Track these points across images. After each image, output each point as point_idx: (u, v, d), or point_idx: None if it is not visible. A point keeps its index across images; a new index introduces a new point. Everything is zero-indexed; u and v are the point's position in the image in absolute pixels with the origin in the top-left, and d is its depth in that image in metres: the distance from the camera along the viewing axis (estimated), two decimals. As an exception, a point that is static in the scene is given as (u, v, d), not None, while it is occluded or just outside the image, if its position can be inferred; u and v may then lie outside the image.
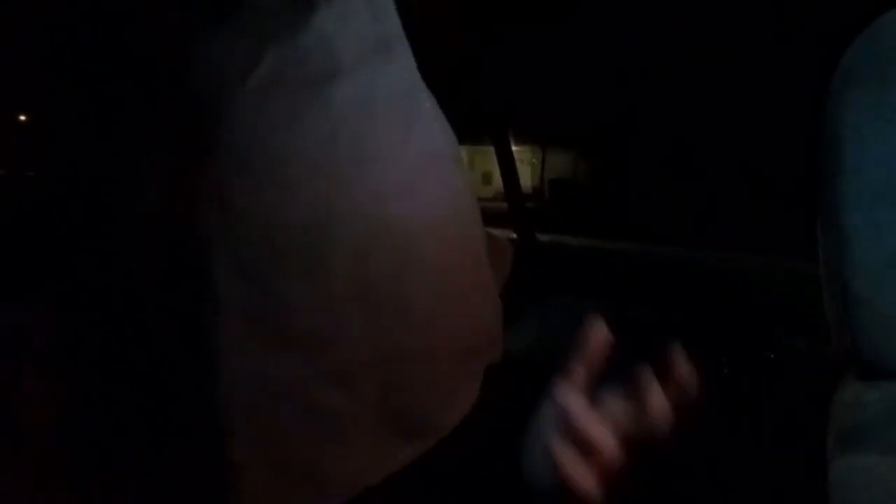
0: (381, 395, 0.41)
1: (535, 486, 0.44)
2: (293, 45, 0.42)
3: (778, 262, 1.11)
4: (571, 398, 0.45)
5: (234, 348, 0.39)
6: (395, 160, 0.43)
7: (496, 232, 0.68)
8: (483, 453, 0.54)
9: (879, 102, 0.50)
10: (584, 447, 0.42)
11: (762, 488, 0.83)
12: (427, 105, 0.46)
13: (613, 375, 0.49)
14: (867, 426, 0.49)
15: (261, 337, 0.39)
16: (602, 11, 1.48)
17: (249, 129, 0.41)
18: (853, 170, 0.50)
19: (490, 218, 0.90)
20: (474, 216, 0.48)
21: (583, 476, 0.41)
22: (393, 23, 0.46)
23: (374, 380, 0.40)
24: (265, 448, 0.39)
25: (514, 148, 2.32)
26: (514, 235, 1.49)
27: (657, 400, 0.45)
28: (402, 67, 0.46)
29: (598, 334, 0.47)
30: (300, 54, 0.42)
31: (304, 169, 0.40)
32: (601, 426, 0.43)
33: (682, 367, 0.47)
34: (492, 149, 1.57)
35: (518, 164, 2.17)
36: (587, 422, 0.42)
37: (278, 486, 0.40)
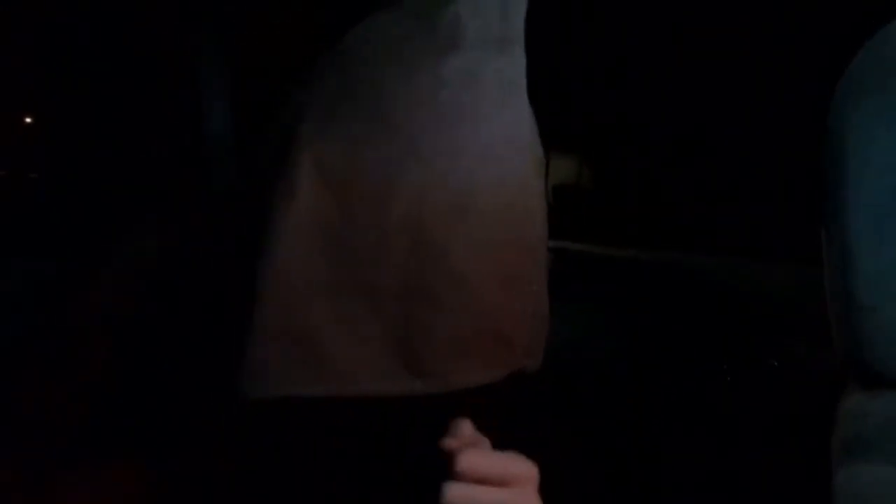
0: (400, 323, 0.45)
1: None
2: (429, 21, 0.49)
3: (782, 268, 1.10)
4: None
5: (293, 241, 0.44)
6: (482, 130, 0.48)
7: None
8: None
9: (884, 110, 0.50)
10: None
11: (767, 497, 0.83)
12: (524, 98, 0.51)
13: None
14: (871, 435, 0.49)
15: (320, 238, 0.44)
16: (607, 16, 1.48)
17: (372, 71, 0.48)
18: (857, 177, 0.50)
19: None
20: (542, 213, 0.51)
21: None
22: (517, 24, 0.52)
23: (399, 307, 0.45)
24: (286, 327, 0.44)
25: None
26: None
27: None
28: (514, 62, 0.51)
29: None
30: (432, 27, 0.49)
31: (402, 113, 0.46)
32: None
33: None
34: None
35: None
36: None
37: (287, 363, 0.44)
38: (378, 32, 0.51)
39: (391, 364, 0.45)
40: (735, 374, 0.98)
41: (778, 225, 1.29)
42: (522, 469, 0.48)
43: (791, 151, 1.23)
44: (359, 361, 0.45)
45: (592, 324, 1.15)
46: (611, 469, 0.92)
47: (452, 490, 0.44)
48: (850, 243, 0.50)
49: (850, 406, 0.52)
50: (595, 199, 1.74)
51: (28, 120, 1.43)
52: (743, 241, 1.33)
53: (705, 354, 1.04)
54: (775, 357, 0.95)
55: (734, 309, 1.09)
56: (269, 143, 0.52)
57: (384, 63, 0.49)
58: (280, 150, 0.48)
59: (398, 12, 0.52)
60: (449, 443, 0.46)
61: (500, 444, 0.52)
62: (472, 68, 0.49)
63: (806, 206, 0.59)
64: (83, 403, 0.54)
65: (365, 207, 0.45)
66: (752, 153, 1.42)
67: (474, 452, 0.46)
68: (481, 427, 0.51)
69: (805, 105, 0.80)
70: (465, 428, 0.47)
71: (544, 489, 0.72)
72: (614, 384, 1.05)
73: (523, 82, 0.51)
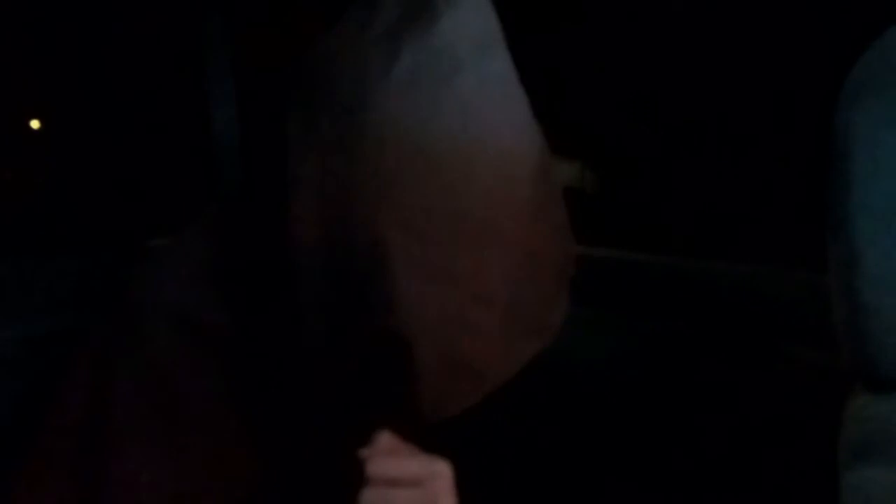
0: (508, 305, 0.53)
1: None
2: (424, 48, 0.53)
3: (787, 272, 1.10)
4: None
5: (406, 287, 0.51)
6: (501, 131, 0.54)
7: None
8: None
9: (890, 112, 0.50)
10: None
11: (773, 500, 0.82)
12: (522, 92, 0.57)
13: None
14: (878, 438, 0.49)
15: (423, 277, 0.51)
16: (609, 18, 1.48)
17: (394, 116, 0.51)
18: (864, 180, 0.50)
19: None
20: (556, 190, 0.60)
21: None
22: (495, 24, 0.56)
23: (502, 296, 0.53)
24: (437, 359, 0.52)
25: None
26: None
27: None
28: (502, 57, 0.56)
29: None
30: (431, 55, 0.52)
31: (441, 146, 0.51)
32: None
33: None
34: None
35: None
36: None
37: (449, 384, 0.53)
38: (370, 63, 0.54)
39: (514, 339, 0.54)
40: (740, 378, 0.98)
41: (782, 228, 1.29)
42: (434, 468, 0.57)
43: (795, 154, 1.23)
44: (494, 353, 0.53)
45: (594, 327, 1.14)
46: (614, 470, 0.92)
47: (365, 495, 0.54)
48: (856, 245, 0.50)
49: (857, 409, 0.52)
50: (597, 202, 1.74)
51: (34, 122, 1.43)
52: (747, 244, 1.33)
53: (709, 358, 1.04)
54: (781, 361, 0.95)
55: (738, 312, 1.09)
56: (325, 199, 0.55)
57: (399, 102, 0.52)
58: (353, 218, 0.53)
59: (370, 31, 0.55)
60: (362, 451, 0.55)
61: (502, 445, 0.58)
62: (479, 82, 0.54)
63: (810, 208, 0.59)
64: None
65: (445, 235, 0.52)
66: (756, 156, 1.42)
67: (384, 457, 0.55)
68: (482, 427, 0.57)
69: (809, 107, 0.80)
70: (383, 437, 0.56)
71: (546, 489, 0.72)
72: (617, 387, 1.04)
73: (515, 73, 0.57)
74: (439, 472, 0.57)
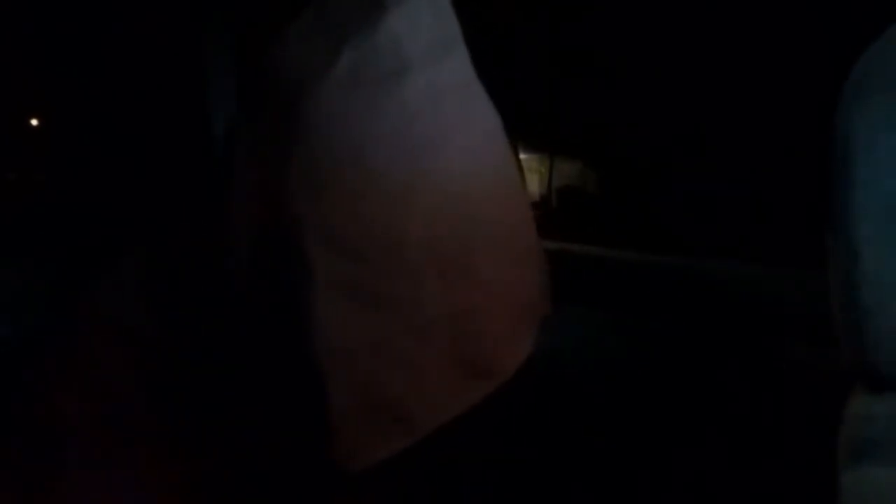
0: (452, 344, 0.47)
1: None
2: (367, 45, 0.48)
3: (787, 272, 1.10)
4: None
5: (329, 311, 0.45)
6: (460, 140, 0.49)
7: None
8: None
9: (890, 113, 0.49)
10: None
11: (774, 498, 0.82)
12: (482, 92, 0.52)
13: None
14: (877, 438, 0.49)
15: (350, 300, 0.45)
16: (609, 17, 1.48)
17: (333, 117, 0.47)
18: (864, 180, 0.50)
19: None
20: (522, 185, 0.55)
21: None
22: (452, 22, 0.52)
23: (446, 332, 0.47)
24: (359, 396, 0.46)
25: (521, 156, 2.31)
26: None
27: None
28: (461, 62, 0.52)
29: None
30: (374, 53, 0.48)
31: (381, 153, 0.47)
32: None
33: None
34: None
35: (525, 172, 2.16)
36: None
37: (371, 428, 0.46)
38: (311, 63, 0.50)
39: (459, 383, 0.47)
40: (740, 378, 0.98)
41: (782, 228, 1.29)
42: None
43: (796, 154, 1.23)
44: (432, 397, 0.47)
45: (595, 325, 1.14)
46: (613, 470, 0.92)
47: None
48: (857, 245, 0.50)
49: (857, 408, 0.51)
50: (598, 201, 1.74)
51: (34, 122, 1.43)
52: (747, 244, 1.33)
53: (709, 357, 1.04)
54: (781, 361, 0.95)
55: (739, 311, 1.09)
56: (251, 201, 0.51)
57: (340, 102, 0.48)
58: (273, 215, 0.48)
59: (315, 34, 0.51)
60: None
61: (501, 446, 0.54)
62: (430, 84, 0.50)
63: (809, 208, 0.59)
64: (99, 403, 0.56)
65: (382, 254, 0.47)
66: (756, 156, 1.42)
67: None
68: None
69: (810, 107, 0.80)
70: None
71: (545, 488, 0.72)
72: (616, 385, 1.04)
73: (474, 74, 0.53)
74: None
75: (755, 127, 1.39)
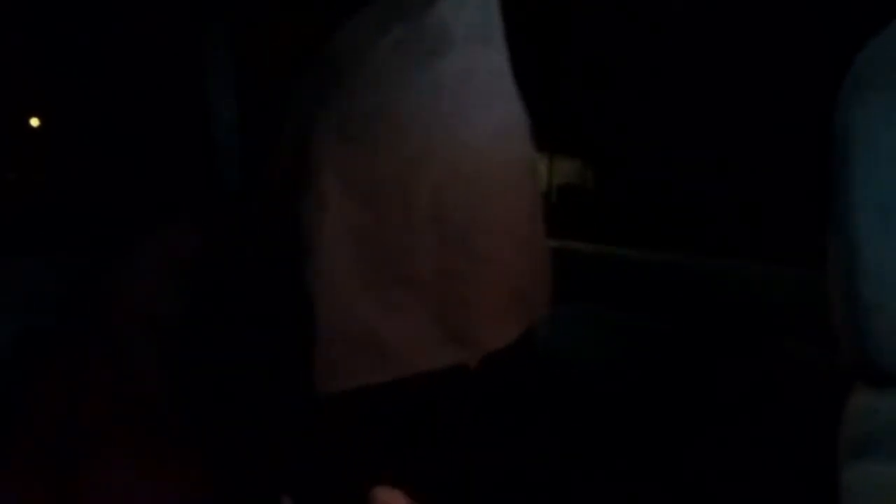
0: (436, 304, 0.51)
1: None
2: (415, 24, 0.52)
3: (787, 269, 1.10)
4: None
5: (332, 242, 0.50)
6: (482, 121, 0.53)
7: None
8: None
9: (892, 107, 0.50)
10: None
11: (774, 496, 0.82)
12: (512, 85, 0.56)
13: None
14: (879, 434, 0.49)
15: (352, 238, 0.50)
16: (610, 16, 1.48)
17: (370, 79, 0.51)
18: (864, 176, 0.50)
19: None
20: (536, 183, 0.57)
21: None
22: (495, 13, 0.56)
23: (433, 292, 0.51)
24: (343, 326, 0.50)
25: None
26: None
27: None
28: (498, 51, 0.55)
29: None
30: (420, 31, 0.52)
31: (406, 118, 0.51)
32: None
33: None
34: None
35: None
36: None
37: (350, 356, 0.50)
38: (366, 35, 0.54)
39: (438, 340, 0.51)
40: (740, 375, 0.98)
41: (782, 224, 1.29)
42: None
43: (795, 150, 1.23)
44: (410, 344, 0.51)
45: (594, 323, 1.15)
46: (611, 469, 0.93)
47: None
48: (857, 241, 0.50)
49: (858, 405, 0.52)
50: (598, 199, 1.74)
51: (34, 122, 1.43)
52: (747, 241, 1.33)
53: (709, 355, 1.04)
54: (780, 357, 0.95)
55: (738, 309, 1.09)
56: (284, 150, 0.55)
57: (382, 67, 0.53)
58: (299, 160, 0.54)
59: (378, 14, 0.56)
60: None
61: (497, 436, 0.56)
62: (464, 66, 0.53)
63: (808, 205, 0.59)
64: (124, 399, 0.58)
65: (390, 208, 0.51)
66: (756, 153, 1.42)
67: None
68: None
69: (809, 102, 0.80)
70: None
71: (542, 488, 0.72)
72: (614, 384, 1.05)
73: (508, 66, 0.56)
74: None
75: (754, 124, 1.39)
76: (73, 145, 1.34)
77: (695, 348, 1.07)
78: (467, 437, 0.66)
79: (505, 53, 0.56)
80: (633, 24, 1.46)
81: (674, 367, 1.07)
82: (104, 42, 1.27)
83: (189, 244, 0.65)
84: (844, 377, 0.54)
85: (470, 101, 0.52)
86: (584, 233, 1.49)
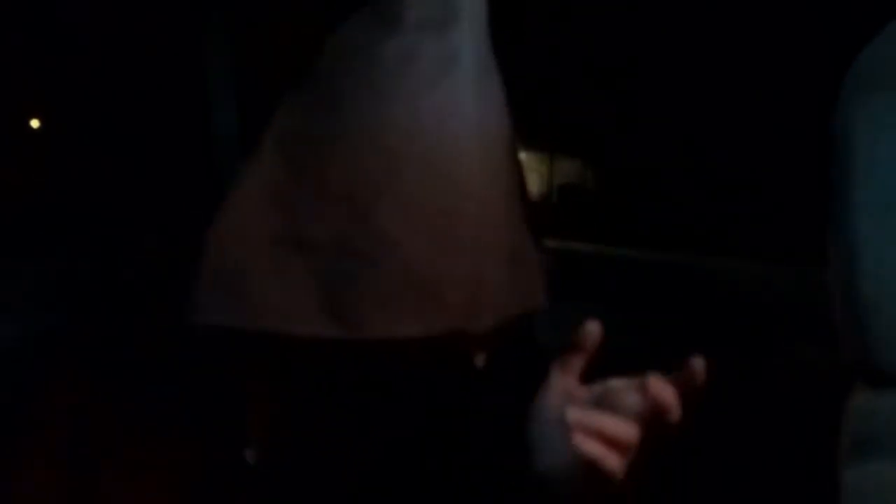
0: (329, 273, 0.51)
1: (548, 471, 0.52)
2: (379, 6, 0.55)
3: (787, 269, 1.10)
4: (574, 389, 0.53)
5: (248, 195, 0.52)
6: (415, 106, 0.53)
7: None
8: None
9: (891, 107, 0.50)
10: (601, 434, 0.49)
11: (775, 495, 0.83)
12: (466, 75, 0.55)
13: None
14: (879, 433, 0.49)
15: (270, 196, 0.52)
16: (610, 17, 1.48)
17: (329, 52, 0.55)
18: (864, 176, 0.50)
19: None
20: (492, 185, 0.55)
21: (605, 455, 0.49)
22: (460, 5, 0.56)
23: (329, 260, 0.51)
24: (231, 266, 0.52)
25: (521, 154, 2.31)
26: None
27: (663, 387, 0.51)
28: (453, 42, 0.55)
29: (594, 331, 0.55)
30: (378, 13, 0.54)
31: (345, 87, 0.53)
32: (611, 414, 0.50)
33: (698, 370, 0.52)
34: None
35: (525, 170, 2.17)
36: (599, 416, 0.50)
37: (228, 297, 0.52)
38: (344, 26, 0.57)
39: (317, 309, 0.51)
40: (742, 375, 0.98)
41: (781, 225, 1.29)
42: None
43: (795, 150, 1.23)
44: (288, 304, 0.51)
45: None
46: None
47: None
48: (857, 242, 0.50)
49: (858, 404, 0.52)
50: (599, 199, 1.74)
51: (35, 122, 1.43)
52: (748, 241, 1.33)
53: (708, 354, 1.04)
54: (780, 356, 0.95)
55: (739, 308, 1.09)
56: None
57: (339, 44, 0.56)
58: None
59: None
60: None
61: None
62: (408, 50, 0.54)
63: (810, 205, 0.59)
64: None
65: (308, 172, 0.52)
66: (755, 153, 1.42)
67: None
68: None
69: (809, 104, 0.80)
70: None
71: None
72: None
73: (465, 59, 0.55)
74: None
75: (755, 124, 1.39)
76: (74, 146, 1.34)
77: (694, 348, 1.06)
78: (467, 432, 0.66)
79: (472, 43, 0.55)
80: (632, 24, 1.46)
81: (673, 366, 1.07)
82: (104, 42, 1.27)
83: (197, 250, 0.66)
84: (844, 377, 0.54)
85: (407, 84, 0.53)
86: (584, 233, 1.49)
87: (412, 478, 0.61)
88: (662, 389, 0.51)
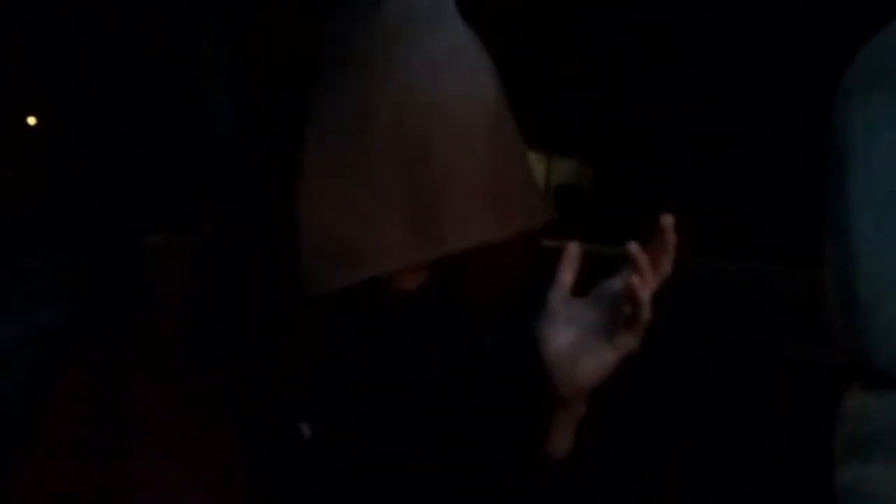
0: (406, 205, 0.57)
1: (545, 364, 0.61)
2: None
3: (784, 269, 1.10)
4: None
5: (314, 176, 0.58)
6: (428, 47, 0.59)
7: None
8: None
9: (889, 107, 0.50)
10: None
11: (770, 496, 0.83)
12: (457, 21, 0.62)
13: None
14: (874, 435, 0.49)
15: (332, 170, 0.57)
16: (610, 17, 1.48)
17: (338, 34, 0.60)
18: (861, 175, 0.50)
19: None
20: (494, 98, 0.62)
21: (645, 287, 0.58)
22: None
23: (403, 198, 0.57)
24: (322, 236, 0.57)
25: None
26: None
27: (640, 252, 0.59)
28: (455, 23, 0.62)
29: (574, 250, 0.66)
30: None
31: (360, 58, 0.58)
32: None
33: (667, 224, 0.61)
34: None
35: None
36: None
37: (329, 262, 0.57)
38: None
39: (405, 244, 0.57)
40: (736, 376, 0.98)
41: (778, 225, 1.29)
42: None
43: (793, 151, 1.23)
44: (380, 249, 0.58)
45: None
46: (612, 467, 0.93)
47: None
48: (854, 242, 0.50)
49: (854, 405, 0.52)
50: (595, 199, 1.74)
51: (33, 121, 1.43)
52: (743, 241, 1.33)
53: (705, 354, 1.04)
54: (776, 357, 0.95)
55: (734, 309, 1.09)
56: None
57: (346, 22, 0.62)
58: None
59: None
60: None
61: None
62: (406, 3, 0.60)
63: (806, 205, 0.59)
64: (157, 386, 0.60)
65: (355, 136, 0.58)
66: (753, 153, 1.42)
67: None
68: None
69: (807, 102, 0.80)
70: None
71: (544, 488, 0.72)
72: (613, 382, 1.05)
73: (453, 9, 0.62)
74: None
75: (752, 123, 1.39)
76: (73, 145, 1.34)
77: (691, 347, 1.07)
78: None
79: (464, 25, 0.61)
80: (636, 26, 1.46)
81: (670, 365, 1.07)
82: (104, 42, 1.27)
83: (215, 238, 0.70)
84: (842, 377, 0.54)
85: (411, 31, 0.59)
86: (580, 233, 1.49)
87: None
88: (640, 253, 0.60)
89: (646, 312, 0.60)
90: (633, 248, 0.61)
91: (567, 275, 0.65)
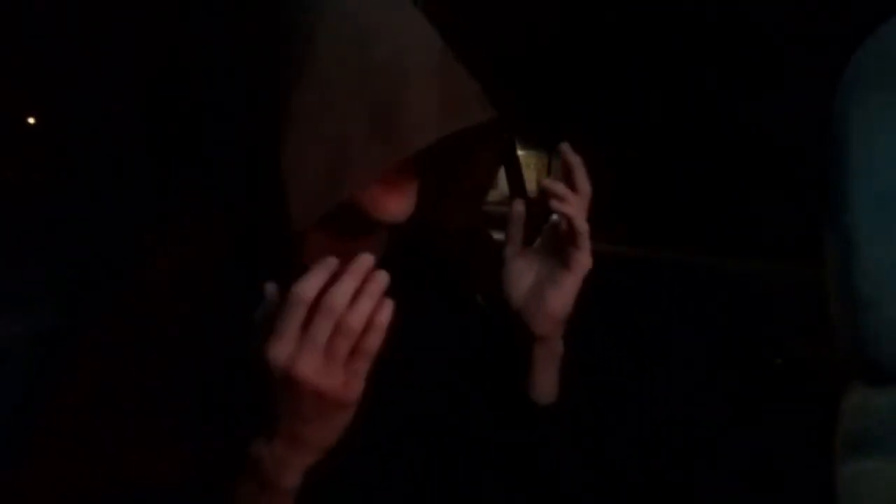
0: (371, 120, 0.61)
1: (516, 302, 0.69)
2: None
3: (784, 267, 1.11)
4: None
5: (297, 129, 0.61)
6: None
7: (501, 235, 0.71)
8: None
9: (888, 104, 0.50)
10: None
11: (771, 493, 0.83)
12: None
13: None
14: (875, 431, 0.49)
15: (306, 106, 0.61)
16: (611, 17, 1.48)
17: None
18: (861, 172, 0.50)
19: (495, 221, 0.90)
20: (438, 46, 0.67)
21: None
22: None
23: (365, 114, 0.61)
24: (302, 171, 0.61)
25: (519, 153, 2.31)
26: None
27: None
28: None
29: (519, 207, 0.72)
30: None
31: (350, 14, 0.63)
32: None
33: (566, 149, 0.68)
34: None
35: (524, 168, 2.16)
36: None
37: (311, 191, 0.61)
38: None
39: (377, 149, 0.62)
40: (739, 373, 0.98)
41: (778, 222, 1.29)
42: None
43: (793, 149, 1.23)
44: (356, 159, 0.61)
45: (592, 321, 1.15)
46: (610, 466, 0.93)
47: None
48: (853, 239, 0.50)
49: (854, 402, 0.52)
50: (597, 197, 1.75)
51: (33, 121, 1.43)
52: (743, 239, 1.33)
53: (707, 352, 1.04)
54: (778, 355, 0.95)
55: (735, 306, 1.09)
56: None
57: None
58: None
59: None
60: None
61: None
62: None
63: (806, 203, 0.59)
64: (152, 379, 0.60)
65: (330, 85, 0.63)
66: (753, 152, 1.42)
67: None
68: None
69: (807, 101, 0.80)
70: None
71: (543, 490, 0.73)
72: (612, 382, 1.05)
73: None
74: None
75: (753, 122, 1.39)
76: (73, 145, 1.34)
77: (691, 346, 1.07)
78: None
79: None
80: (637, 27, 1.46)
81: (670, 364, 1.07)
82: (103, 42, 1.27)
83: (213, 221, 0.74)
84: (841, 374, 0.54)
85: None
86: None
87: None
88: (553, 182, 0.66)
89: (580, 224, 0.64)
90: (565, 146, 0.69)
91: (516, 231, 0.71)
